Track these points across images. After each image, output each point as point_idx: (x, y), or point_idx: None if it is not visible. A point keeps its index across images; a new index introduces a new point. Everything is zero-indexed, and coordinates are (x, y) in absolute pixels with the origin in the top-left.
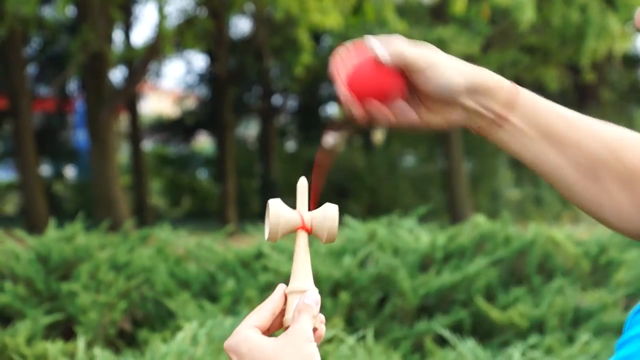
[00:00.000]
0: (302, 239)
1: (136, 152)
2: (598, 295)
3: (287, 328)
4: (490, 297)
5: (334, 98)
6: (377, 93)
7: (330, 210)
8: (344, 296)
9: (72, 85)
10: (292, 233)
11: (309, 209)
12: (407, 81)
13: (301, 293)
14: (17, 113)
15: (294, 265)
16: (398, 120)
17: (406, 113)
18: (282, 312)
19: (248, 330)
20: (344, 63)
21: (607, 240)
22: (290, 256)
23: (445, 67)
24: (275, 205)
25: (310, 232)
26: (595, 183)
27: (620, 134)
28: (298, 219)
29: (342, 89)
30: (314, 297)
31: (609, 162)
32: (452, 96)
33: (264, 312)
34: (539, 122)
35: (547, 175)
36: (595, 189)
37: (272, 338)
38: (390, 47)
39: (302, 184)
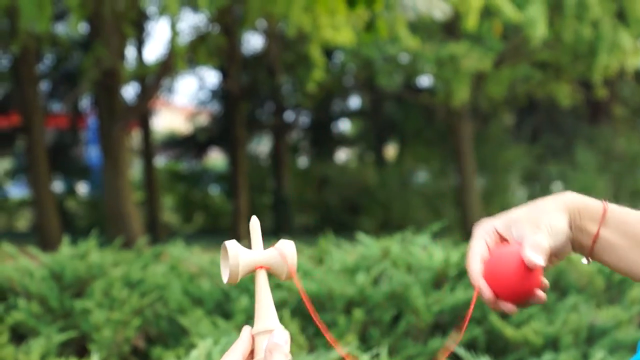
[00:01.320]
0: (262, 278)
1: (148, 168)
2: (612, 312)
3: None
4: (504, 314)
5: (346, 114)
6: (515, 295)
7: (286, 247)
8: (358, 313)
9: (85, 102)
10: (251, 273)
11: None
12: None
13: (268, 333)
14: (30, 129)
15: (257, 306)
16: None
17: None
18: (252, 354)
19: None
20: (482, 248)
21: None
22: (303, 273)
23: (565, 228)
24: (233, 247)
25: (269, 269)
26: None
27: None
28: (256, 258)
29: (476, 277)
30: (282, 335)
31: None
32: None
33: (234, 356)
34: (630, 232)
35: (638, 276)
36: None
37: None
38: (541, 249)
39: (255, 223)
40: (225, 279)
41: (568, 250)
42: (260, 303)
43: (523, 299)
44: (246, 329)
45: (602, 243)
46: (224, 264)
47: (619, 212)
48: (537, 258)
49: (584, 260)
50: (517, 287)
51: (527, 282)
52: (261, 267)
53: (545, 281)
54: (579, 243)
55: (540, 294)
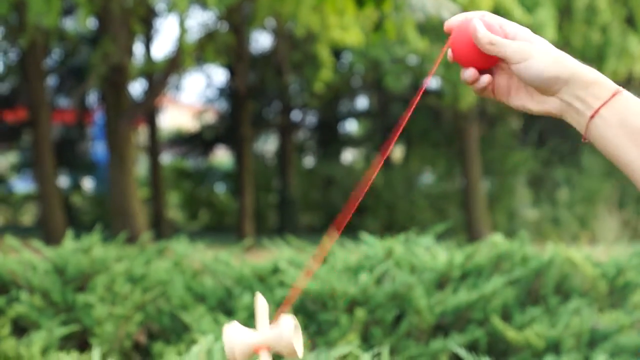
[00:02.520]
0: (265, 358)
1: (154, 165)
2: (615, 316)
3: None
4: (506, 316)
5: (353, 115)
6: (468, 62)
7: (285, 328)
8: (360, 313)
9: (92, 97)
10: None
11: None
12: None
13: None
14: (37, 124)
15: None
16: (495, 95)
17: (503, 91)
18: None
19: None
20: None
21: (625, 262)
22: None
23: (541, 59)
24: (230, 332)
25: (269, 350)
26: None
27: None
28: (253, 341)
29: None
30: None
31: None
32: (546, 86)
33: None
34: (631, 123)
35: (625, 170)
36: None
37: None
38: (491, 37)
39: (261, 302)
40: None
41: (552, 108)
42: None
43: (476, 66)
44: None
45: (598, 122)
46: (225, 348)
47: (626, 99)
48: (481, 31)
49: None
50: (468, 55)
51: (475, 53)
52: (262, 348)
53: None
54: (573, 114)
55: (482, 80)
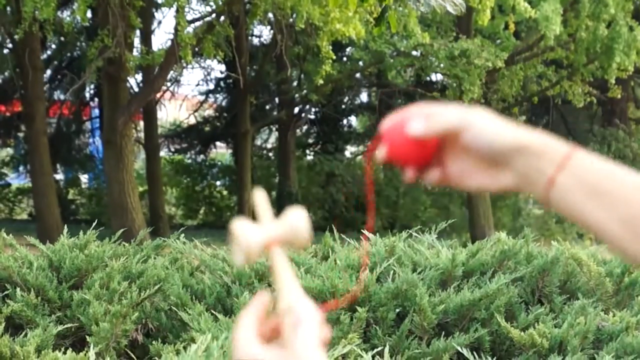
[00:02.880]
0: (277, 255)
1: (152, 160)
2: (620, 316)
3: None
4: (510, 315)
5: (355, 109)
6: (402, 160)
7: (295, 219)
8: (361, 311)
9: (89, 91)
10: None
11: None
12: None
13: (294, 309)
14: (32, 118)
15: (278, 285)
16: (451, 183)
17: (456, 176)
18: (276, 332)
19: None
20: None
21: None
22: (306, 269)
23: (486, 127)
24: (241, 228)
25: (281, 245)
26: None
27: None
28: (266, 235)
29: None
30: (305, 309)
31: None
32: (498, 156)
33: (248, 318)
34: (589, 181)
35: (593, 230)
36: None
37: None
38: (430, 121)
39: (261, 194)
40: (239, 261)
41: (506, 181)
42: (280, 281)
43: (411, 166)
44: (262, 294)
45: (557, 188)
46: (235, 247)
47: (582, 159)
48: (418, 125)
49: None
50: (404, 152)
51: (411, 150)
52: (274, 243)
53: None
54: (528, 183)
55: (431, 175)
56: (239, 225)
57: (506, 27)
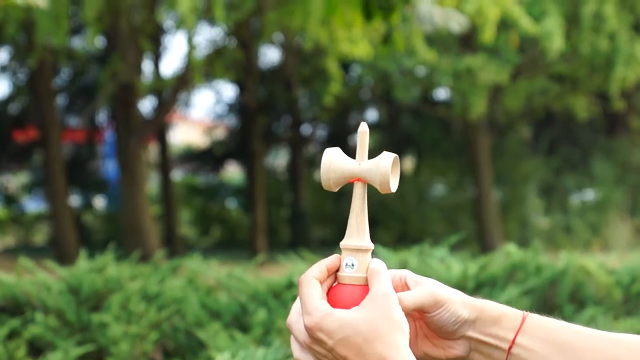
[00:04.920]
0: (357, 189)
1: (166, 182)
2: (630, 324)
3: (338, 285)
4: None
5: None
6: None
7: (383, 161)
8: None
9: (102, 116)
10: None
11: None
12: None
13: (354, 251)
14: (47, 143)
15: (350, 220)
16: None
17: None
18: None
19: (323, 306)
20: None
21: (639, 269)
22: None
23: (450, 303)
24: (329, 155)
25: (364, 182)
26: None
27: (636, 337)
28: (350, 170)
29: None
30: (380, 262)
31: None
32: (457, 330)
33: (318, 267)
34: (550, 338)
35: None
36: None
37: (355, 309)
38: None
39: (363, 130)
40: (323, 183)
41: (458, 351)
42: (352, 217)
43: None
44: (335, 257)
45: (519, 351)
46: (322, 169)
47: (539, 320)
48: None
49: None
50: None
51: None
52: (358, 179)
53: None
54: (485, 350)
55: None
56: (332, 151)
57: (509, 42)
